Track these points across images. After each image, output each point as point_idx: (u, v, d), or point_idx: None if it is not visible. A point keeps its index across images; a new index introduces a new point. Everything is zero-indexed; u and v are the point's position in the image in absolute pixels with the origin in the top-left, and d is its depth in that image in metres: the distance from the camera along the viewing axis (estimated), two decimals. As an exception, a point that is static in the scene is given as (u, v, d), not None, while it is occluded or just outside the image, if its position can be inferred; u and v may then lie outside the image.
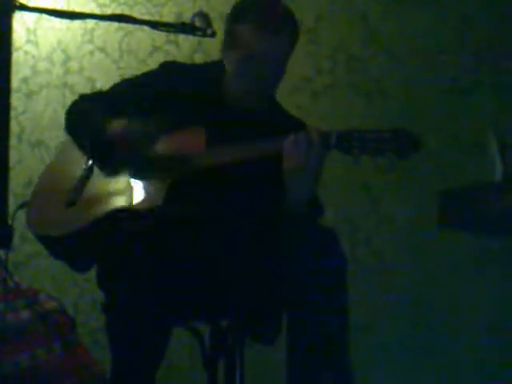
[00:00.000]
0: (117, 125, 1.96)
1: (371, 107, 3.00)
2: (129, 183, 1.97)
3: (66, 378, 1.94)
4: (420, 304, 2.84)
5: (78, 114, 2.11)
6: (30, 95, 3.64)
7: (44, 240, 2.05)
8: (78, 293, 3.24)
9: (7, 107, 1.50)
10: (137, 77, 2.18)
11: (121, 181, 1.98)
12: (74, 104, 2.15)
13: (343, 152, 1.80)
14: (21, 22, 3.61)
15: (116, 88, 2.16)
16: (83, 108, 2.11)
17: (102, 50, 3.57)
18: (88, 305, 3.18)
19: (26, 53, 3.68)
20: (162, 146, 1.98)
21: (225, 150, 1.92)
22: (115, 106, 2.07)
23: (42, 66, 3.67)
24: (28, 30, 3.70)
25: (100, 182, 2.01)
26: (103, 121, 1.98)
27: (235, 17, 2.00)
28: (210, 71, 2.13)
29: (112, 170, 2.00)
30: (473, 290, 2.77)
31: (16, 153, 3.49)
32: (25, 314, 2.08)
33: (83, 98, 2.18)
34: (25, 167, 3.50)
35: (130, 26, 3.45)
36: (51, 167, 2.22)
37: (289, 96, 2.88)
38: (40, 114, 3.62)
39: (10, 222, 1.76)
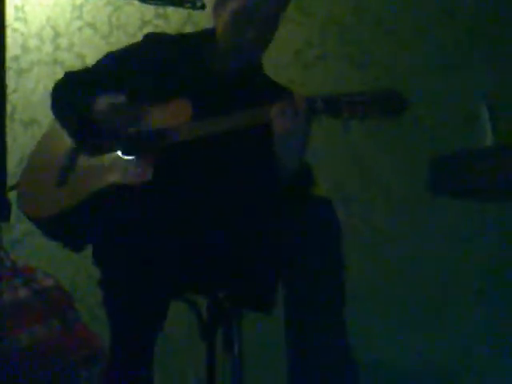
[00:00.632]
0: (101, 103, 1.95)
1: (363, 78, 3.00)
2: (118, 159, 1.96)
3: (65, 353, 1.96)
4: (417, 271, 2.85)
5: (62, 95, 2.10)
6: (20, 73, 3.62)
7: (36, 221, 2.05)
8: (74, 269, 3.25)
9: (2, 87, 1.50)
10: (121, 50, 2.16)
11: (110, 157, 1.98)
12: (59, 84, 2.14)
13: (332, 116, 1.81)
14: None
15: (101, 63, 2.15)
16: (67, 88, 2.10)
17: (91, 25, 3.54)
18: (85, 281, 3.19)
19: (15, 30, 3.65)
20: (148, 120, 1.98)
21: (212, 121, 1.92)
22: (101, 82, 2.06)
23: (32, 43, 3.65)
24: (16, 7, 3.67)
25: (90, 160, 2.01)
26: (88, 100, 1.97)
27: None
28: (196, 39, 2.13)
29: (100, 148, 1.99)
30: (469, 255, 2.78)
31: (8, 132, 3.47)
32: (22, 292, 2.10)
33: (68, 75, 2.16)
34: (18, 146, 3.48)
35: (118, 1, 3.44)
36: (40, 147, 2.20)
37: (281, 70, 2.88)
38: (31, 92, 3.61)
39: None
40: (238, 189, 1.96)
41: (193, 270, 1.96)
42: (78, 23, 3.57)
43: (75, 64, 3.43)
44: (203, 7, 1.96)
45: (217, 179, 1.96)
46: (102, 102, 1.95)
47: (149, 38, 2.16)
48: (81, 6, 3.56)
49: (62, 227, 2.02)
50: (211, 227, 1.94)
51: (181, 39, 2.20)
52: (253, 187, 1.95)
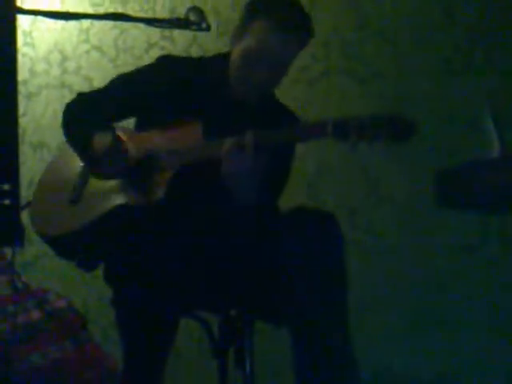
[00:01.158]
0: (101, 141, 1.95)
1: (366, 91, 3.01)
2: (129, 180, 1.99)
3: (78, 373, 1.97)
4: (421, 283, 2.85)
5: (71, 119, 2.12)
6: (29, 97, 3.67)
7: (49, 240, 2.06)
8: (86, 291, 3.27)
9: (14, 111, 1.52)
10: (133, 72, 2.17)
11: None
12: (70, 105, 2.15)
13: (340, 140, 1.80)
14: (17, 25, 3.63)
15: (112, 85, 2.16)
16: (78, 111, 2.12)
17: (98, 48, 3.59)
18: (97, 302, 3.21)
19: (24, 55, 3.71)
20: (158, 141, 1.99)
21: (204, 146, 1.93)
22: (111, 105, 2.09)
23: (40, 67, 3.70)
24: (24, 32, 3.72)
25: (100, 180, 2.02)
26: (92, 133, 1.98)
27: (253, 11, 1.99)
28: (207, 64, 2.14)
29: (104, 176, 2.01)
30: (473, 267, 2.78)
31: (19, 155, 3.51)
32: (35, 314, 2.12)
33: (81, 97, 2.17)
34: (27, 169, 3.52)
35: (124, 24, 3.47)
36: (51, 167, 2.23)
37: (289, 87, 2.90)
38: (40, 115, 3.65)
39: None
40: (245, 208, 1.97)
41: (203, 289, 1.97)
42: (85, 47, 3.62)
43: (83, 87, 3.47)
44: (208, 29, 1.98)
45: (224, 198, 1.98)
46: (100, 142, 1.96)
47: (160, 60, 2.16)
48: (87, 30, 3.61)
49: (75, 246, 2.03)
50: (220, 246, 1.95)
51: (196, 61, 2.21)
52: (257, 206, 1.97)
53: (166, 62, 2.15)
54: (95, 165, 1.98)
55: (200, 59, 2.26)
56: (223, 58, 2.09)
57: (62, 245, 2.06)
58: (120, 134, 2.02)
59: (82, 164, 2.08)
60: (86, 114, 2.10)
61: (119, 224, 1.93)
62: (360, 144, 1.77)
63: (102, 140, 1.94)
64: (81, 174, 2.07)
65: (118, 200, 1.95)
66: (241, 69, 1.99)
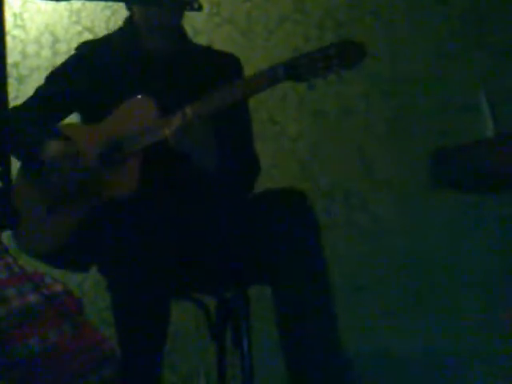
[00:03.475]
0: (49, 149, 1.94)
1: (359, 72, 3.00)
2: (102, 174, 1.96)
3: (77, 357, 1.97)
4: (419, 264, 2.86)
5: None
6: (21, 80, 3.64)
7: (38, 257, 2.06)
8: (82, 275, 3.27)
9: (4, 94, 1.51)
10: (57, 67, 2.19)
11: (94, 175, 1.97)
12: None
13: (295, 80, 1.78)
14: (7, 7, 3.59)
15: (41, 88, 2.18)
16: (15, 128, 2.06)
17: (89, 30, 3.56)
18: (93, 286, 3.21)
19: (14, 37, 3.67)
20: (112, 129, 1.97)
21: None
22: (46, 107, 2.10)
23: (31, 49, 3.67)
24: (14, 14, 3.69)
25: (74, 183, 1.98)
26: (36, 143, 1.97)
27: None
28: (123, 31, 2.16)
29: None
30: (470, 246, 2.79)
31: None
32: (32, 298, 2.11)
33: (13, 111, 2.15)
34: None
35: (116, 5, 3.44)
36: (19, 181, 2.15)
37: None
38: (32, 98, 3.63)
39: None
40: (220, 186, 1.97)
41: (195, 272, 1.97)
42: (77, 28, 3.59)
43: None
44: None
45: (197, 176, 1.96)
46: (47, 152, 1.94)
47: (79, 48, 2.18)
48: (78, 11, 3.57)
49: (64, 257, 2.04)
50: (205, 227, 1.94)
51: (108, 37, 2.21)
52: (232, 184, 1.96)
53: (83, 48, 2.17)
54: (51, 174, 1.95)
55: (114, 31, 2.24)
56: (129, 21, 2.12)
57: (50, 259, 2.06)
58: (69, 132, 2.01)
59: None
60: (23, 126, 2.07)
61: (103, 221, 1.91)
62: (316, 79, 1.75)
63: (49, 148, 1.93)
64: (48, 185, 2.02)
65: (95, 199, 1.94)
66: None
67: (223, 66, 2.11)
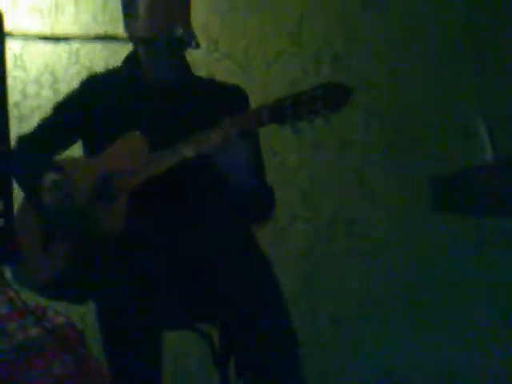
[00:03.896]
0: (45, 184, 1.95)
1: (359, 101, 3.03)
2: (91, 212, 1.96)
3: (80, 388, 1.96)
4: (419, 289, 2.85)
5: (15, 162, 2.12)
6: (21, 119, 3.67)
7: (36, 291, 2.07)
8: (84, 307, 3.25)
9: (6, 134, 1.53)
10: (63, 98, 2.22)
11: (84, 211, 1.97)
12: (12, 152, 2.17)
13: (279, 124, 1.73)
14: (7, 49, 3.63)
15: (46, 117, 2.21)
16: (19, 156, 2.11)
17: (88, 69, 3.58)
18: (95, 318, 3.18)
19: (15, 78, 3.72)
20: (104, 165, 1.97)
21: (164, 156, 1.88)
22: (49, 137, 2.14)
23: (32, 89, 3.71)
24: (15, 55, 3.74)
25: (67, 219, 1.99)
26: (35, 179, 1.98)
27: None
28: (127, 64, 2.18)
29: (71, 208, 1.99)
30: (471, 271, 2.79)
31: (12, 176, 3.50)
32: (34, 331, 2.10)
33: (19, 139, 2.19)
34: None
35: (114, 45, 3.47)
36: (20, 214, 2.16)
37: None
38: (33, 138, 3.65)
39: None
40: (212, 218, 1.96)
41: (195, 302, 1.96)
42: (76, 68, 3.63)
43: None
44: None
45: (191, 210, 1.96)
46: (46, 183, 1.96)
47: (86, 78, 2.21)
48: (78, 51, 3.62)
49: (58, 291, 2.04)
50: (199, 259, 1.94)
51: (112, 71, 2.24)
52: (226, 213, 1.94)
53: (88, 80, 2.19)
54: (46, 206, 1.96)
55: (117, 66, 2.26)
56: (130, 56, 2.15)
57: (47, 292, 2.07)
58: (66, 165, 2.02)
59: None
60: (27, 155, 2.10)
61: (97, 256, 1.91)
62: (300, 123, 1.69)
63: (47, 182, 1.94)
64: (44, 220, 2.04)
65: (86, 235, 1.93)
66: (149, 23, 2.02)
67: (227, 97, 2.11)
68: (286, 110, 1.69)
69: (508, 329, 2.66)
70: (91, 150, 2.11)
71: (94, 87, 2.15)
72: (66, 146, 2.18)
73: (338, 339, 2.63)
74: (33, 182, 2.00)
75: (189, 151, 1.82)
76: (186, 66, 2.18)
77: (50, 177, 1.96)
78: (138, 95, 2.08)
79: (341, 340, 2.58)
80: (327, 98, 1.67)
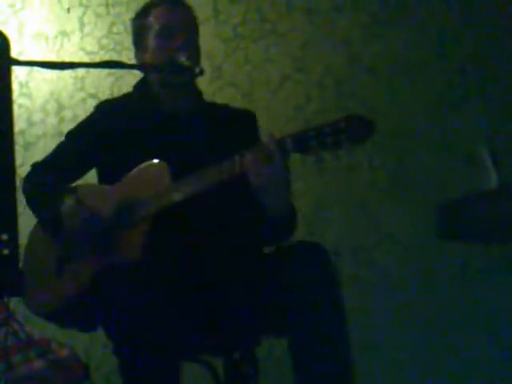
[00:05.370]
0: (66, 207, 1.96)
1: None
2: (108, 239, 1.95)
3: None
4: (426, 317, 2.83)
5: (30, 192, 2.14)
6: (27, 147, 3.68)
7: (45, 316, 2.04)
8: (89, 338, 3.24)
9: (11, 161, 1.53)
10: (77, 126, 2.22)
11: (99, 239, 1.96)
12: (27, 178, 2.18)
13: (303, 153, 1.75)
14: (13, 76, 3.66)
15: (61, 144, 2.21)
16: (34, 183, 2.14)
17: (94, 96, 3.61)
18: (100, 350, 3.18)
19: (21, 106, 3.73)
20: (123, 194, 1.97)
21: (186, 184, 1.88)
22: (65, 164, 2.13)
23: (37, 117, 3.72)
24: (20, 83, 3.76)
25: (82, 245, 1.98)
26: (54, 201, 1.99)
27: (138, 16, 2.16)
28: (139, 90, 2.18)
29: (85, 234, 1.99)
30: (479, 297, 2.77)
31: (17, 205, 3.51)
32: (38, 364, 2.10)
33: (35, 166, 2.20)
34: (27, 218, 3.51)
35: (119, 71, 3.50)
36: (32, 239, 2.18)
37: (284, 126, 2.92)
38: (38, 165, 3.66)
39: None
40: (230, 242, 1.95)
41: (203, 333, 1.95)
42: (81, 95, 3.64)
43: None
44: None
45: (209, 236, 1.95)
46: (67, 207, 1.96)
47: (99, 105, 2.21)
48: (83, 78, 3.63)
49: (69, 317, 2.01)
50: (213, 288, 1.92)
51: (127, 98, 2.23)
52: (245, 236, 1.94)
53: (102, 106, 2.20)
54: (68, 234, 1.96)
55: (131, 93, 2.26)
56: (141, 83, 2.16)
57: (56, 318, 2.04)
58: (83, 192, 2.02)
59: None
60: (42, 182, 2.11)
61: (108, 285, 1.89)
62: (323, 154, 1.72)
63: (65, 208, 1.94)
64: (61, 244, 2.03)
65: (101, 263, 1.91)
66: (158, 53, 2.06)
67: (241, 122, 2.13)
68: (312, 141, 1.71)
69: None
70: (105, 177, 2.11)
71: (108, 114, 2.16)
72: (81, 173, 2.18)
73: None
74: (49, 208, 2.00)
75: (211, 179, 1.83)
76: (197, 94, 2.19)
77: (68, 203, 1.95)
78: (152, 123, 2.09)
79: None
80: (350, 131, 1.69)
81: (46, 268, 2.04)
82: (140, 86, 2.19)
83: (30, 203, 2.13)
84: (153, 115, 2.10)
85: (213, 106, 2.24)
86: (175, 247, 1.92)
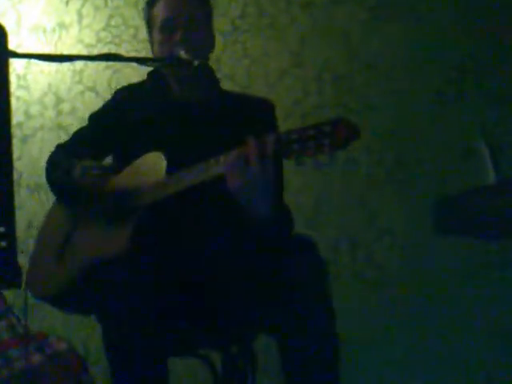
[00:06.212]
0: (78, 169, 1.98)
1: (360, 124, 3.03)
2: (105, 228, 1.95)
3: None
4: (425, 313, 2.84)
5: (51, 167, 2.16)
6: (25, 140, 3.68)
7: (44, 299, 2.04)
8: (87, 332, 3.25)
9: (9, 154, 1.53)
10: (98, 109, 2.22)
11: (98, 227, 1.97)
12: (50, 156, 2.20)
13: (284, 157, 1.67)
14: (11, 69, 3.65)
15: (82, 127, 2.22)
16: (56, 160, 2.16)
17: (91, 89, 3.61)
18: (98, 344, 3.18)
19: (18, 98, 3.73)
20: (123, 183, 1.98)
21: (174, 181, 1.86)
22: (86, 145, 2.13)
23: (35, 109, 3.72)
24: (18, 76, 3.75)
25: (81, 233, 2.00)
26: (68, 165, 2.01)
27: (147, 3, 2.13)
28: (153, 79, 2.17)
29: (88, 219, 2.00)
30: (476, 293, 2.77)
31: (15, 198, 3.50)
32: (36, 358, 2.10)
33: (58, 147, 2.22)
34: (25, 211, 3.52)
35: (117, 64, 3.50)
36: (44, 225, 2.20)
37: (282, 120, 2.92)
38: (36, 158, 3.66)
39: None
40: (223, 234, 1.94)
41: (203, 327, 1.95)
42: (79, 88, 3.64)
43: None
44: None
45: (203, 228, 1.95)
46: (79, 168, 1.98)
47: (118, 90, 2.22)
48: (81, 71, 3.63)
49: (67, 300, 2.00)
50: (205, 281, 1.92)
51: (141, 83, 2.23)
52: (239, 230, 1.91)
53: (120, 93, 2.20)
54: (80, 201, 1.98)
55: (144, 80, 2.25)
56: (154, 71, 2.16)
57: (55, 302, 2.04)
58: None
59: (65, 220, 2.06)
60: (65, 157, 2.12)
61: (104, 273, 1.87)
62: (304, 158, 1.63)
63: (85, 166, 1.96)
64: (62, 230, 2.04)
65: (95, 253, 1.91)
66: (161, 47, 2.05)
67: (258, 111, 2.10)
68: (293, 146, 1.64)
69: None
70: (120, 163, 2.12)
71: (125, 101, 2.16)
72: (100, 158, 2.19)
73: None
74: (66, 178, 2.02)
75: (197, 177, 1.81)
76: (212, 83, 2.18)
77: (81, 164, 1.97)
78: (163, 112, 2.09)
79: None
80: (335, 135, 1.61)
81: (49, 252, 2.05)
82: (153, 74, 2.19)
83: (51, 175, 2.16)
84: (164, 105, 2.10)
85: (229, 94, 2.21)
86: (168, 240, 1.92)
